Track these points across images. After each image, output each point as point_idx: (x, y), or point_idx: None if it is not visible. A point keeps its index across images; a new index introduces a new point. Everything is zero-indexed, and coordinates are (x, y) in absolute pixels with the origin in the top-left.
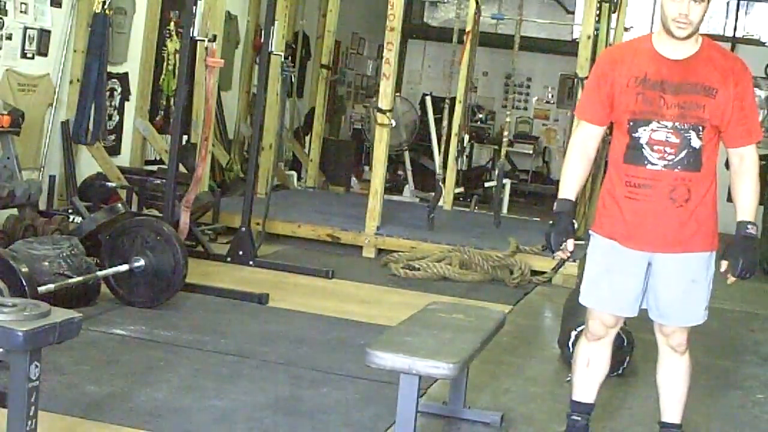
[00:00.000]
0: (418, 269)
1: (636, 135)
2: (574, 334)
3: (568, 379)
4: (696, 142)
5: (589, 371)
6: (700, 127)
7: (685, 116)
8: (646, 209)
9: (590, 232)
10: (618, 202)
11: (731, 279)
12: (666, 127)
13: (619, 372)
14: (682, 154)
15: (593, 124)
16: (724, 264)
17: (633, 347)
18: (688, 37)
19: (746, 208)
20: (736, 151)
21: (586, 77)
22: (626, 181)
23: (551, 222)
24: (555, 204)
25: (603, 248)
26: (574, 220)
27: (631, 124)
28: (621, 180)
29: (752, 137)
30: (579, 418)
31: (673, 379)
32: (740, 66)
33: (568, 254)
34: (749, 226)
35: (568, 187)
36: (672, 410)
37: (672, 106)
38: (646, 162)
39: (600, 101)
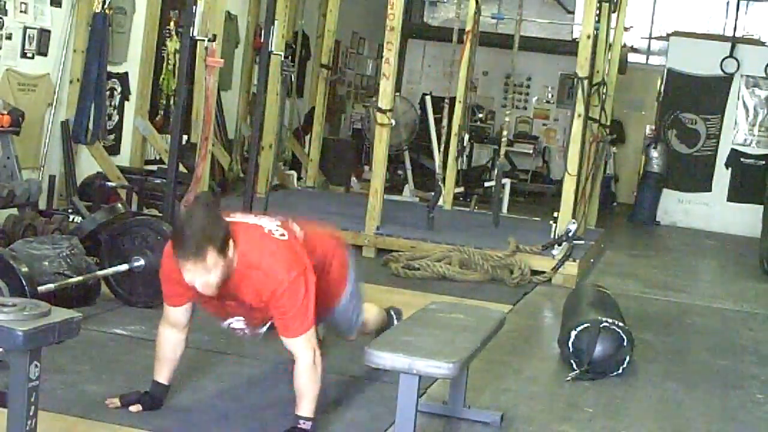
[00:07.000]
0: (418, 269)
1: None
2: (573, 333)
3: (568, 378)
4: (264, 328)
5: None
6: (266, 322)
7: (249, 319)
8: None
9: None
10: None
11: None
12: (242, 320)
13: (619, 372)
14: (263, 332)
15: (180, 307)
16: None
17: (633, 347)
18: (218, 289)
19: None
20: (286, 343)
21: (586, 77)
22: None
23: None
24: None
25: None
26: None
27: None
28: None
29: (290, 332)
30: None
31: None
32: (272, 282)
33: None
34: (301, 421)
35: (162, 373)
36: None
37: (234, 311)
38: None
39: (179, 289)
